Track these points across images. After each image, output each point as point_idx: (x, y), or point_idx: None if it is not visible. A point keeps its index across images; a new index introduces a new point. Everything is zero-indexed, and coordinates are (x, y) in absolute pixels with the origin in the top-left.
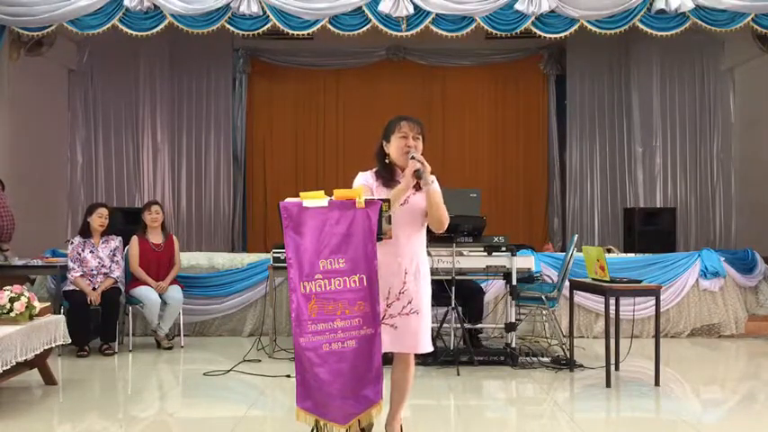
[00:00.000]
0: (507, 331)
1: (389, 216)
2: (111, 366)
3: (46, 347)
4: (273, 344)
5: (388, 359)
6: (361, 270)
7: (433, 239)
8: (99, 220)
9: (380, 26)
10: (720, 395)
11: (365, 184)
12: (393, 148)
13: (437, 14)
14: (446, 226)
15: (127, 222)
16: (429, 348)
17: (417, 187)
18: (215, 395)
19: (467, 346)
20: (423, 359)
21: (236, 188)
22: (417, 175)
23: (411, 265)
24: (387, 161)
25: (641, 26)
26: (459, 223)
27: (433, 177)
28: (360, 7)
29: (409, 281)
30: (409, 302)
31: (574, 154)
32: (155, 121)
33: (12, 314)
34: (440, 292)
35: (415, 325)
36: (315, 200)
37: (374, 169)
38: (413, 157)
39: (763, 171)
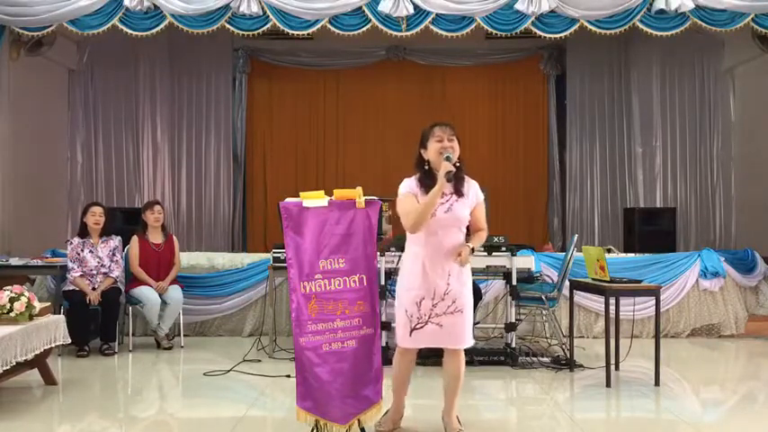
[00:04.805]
0: (507, 331)
1: (389, 216)
2: (111, 366)
3: (46, 347)
4: (273, 344)
5: (387, 359)
6: (361, 270)
7: None
8: (93, 218)
9: (380, 26)
10: (720, 395)
11: (410, 191)
12: (431, 154)
13: (437, 14)
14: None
15: (127, 222)
16: (471, 342)
17: (459, 193)
18: (215, 395)
19: None
20: (422, 360)
21: (236, 188)
22: (449, 177)
23: (454, 266)
24: (426, 168)
25: (641, 26)
26: None
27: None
28: (360, 7)
29: (452, 282)
30: (453, 302)
31: (574, 154)
32: (155, 121)
33: (12, 314)
34: None
35: (459, 323)
36: (315, 200)
37: (417, 176)
38: (448, 158)
39: (763, 171)
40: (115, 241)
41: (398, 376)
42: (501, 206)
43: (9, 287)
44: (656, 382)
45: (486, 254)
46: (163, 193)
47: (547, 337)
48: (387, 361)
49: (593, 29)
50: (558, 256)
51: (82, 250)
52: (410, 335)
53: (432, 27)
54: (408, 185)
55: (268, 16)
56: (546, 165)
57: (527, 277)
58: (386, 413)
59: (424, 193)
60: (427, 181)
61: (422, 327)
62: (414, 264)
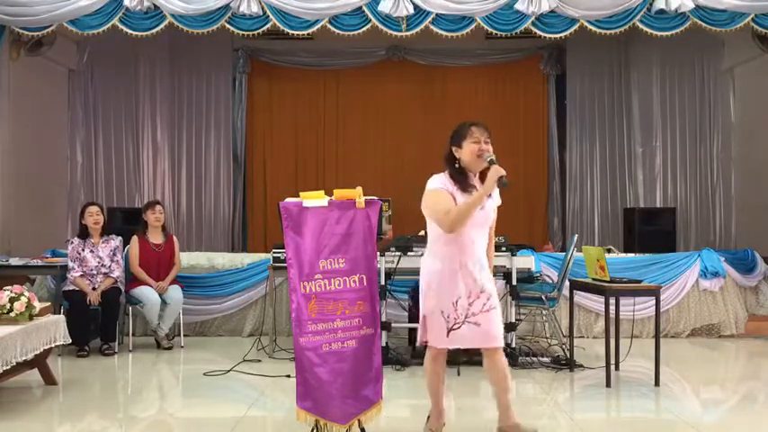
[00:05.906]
0: (507, 331)
1: (389, 216)
2: (111, 366)
3: (46, 347)
4: (273, 344)
5: (387, 359)
6: (361, 270)
7: None
8: (92, 218)
9: (380, 26)
10: (720, 395)
11: (443, 188)
12: (465, 153)
13: (437, 14)
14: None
15: (127, 222)
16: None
17: (488, 194)
18: (215, 395)
19: None
20: (422, 360)
21: (236, 188)
22: (502, 182)
23: (485, 264)
24: (457, 166)
25: (641, 26)
26: None
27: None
28: (360, 7)
29: (485, 279)
30: (488, 299)
31: (574, 154)
32: (155, 121)
33: (12, 314)
34: None
35: (495, 320)
36: (315, 200)
37: (446, 172)
38: (492, 161)
39: (763, 171)
40: (116, 241)
41: (432, 382)
42: (501, 206)
43: (9, 287)
44: (656, 382)
45: None
46: (163, 193)
47: (547, 337)
48: (386, 361)
49: (593, 29)
50: (558, 256)
51: (82, 250)
52: (447, 335)
53: (432, 27)
54: (441, 181)
55: (268, 16)
56: (546, 165)
57: (527, 277)
58: (428, 419)
59: (458, 190)
60: (460, 179)
61: (458, 327)
62: (448, 263)
